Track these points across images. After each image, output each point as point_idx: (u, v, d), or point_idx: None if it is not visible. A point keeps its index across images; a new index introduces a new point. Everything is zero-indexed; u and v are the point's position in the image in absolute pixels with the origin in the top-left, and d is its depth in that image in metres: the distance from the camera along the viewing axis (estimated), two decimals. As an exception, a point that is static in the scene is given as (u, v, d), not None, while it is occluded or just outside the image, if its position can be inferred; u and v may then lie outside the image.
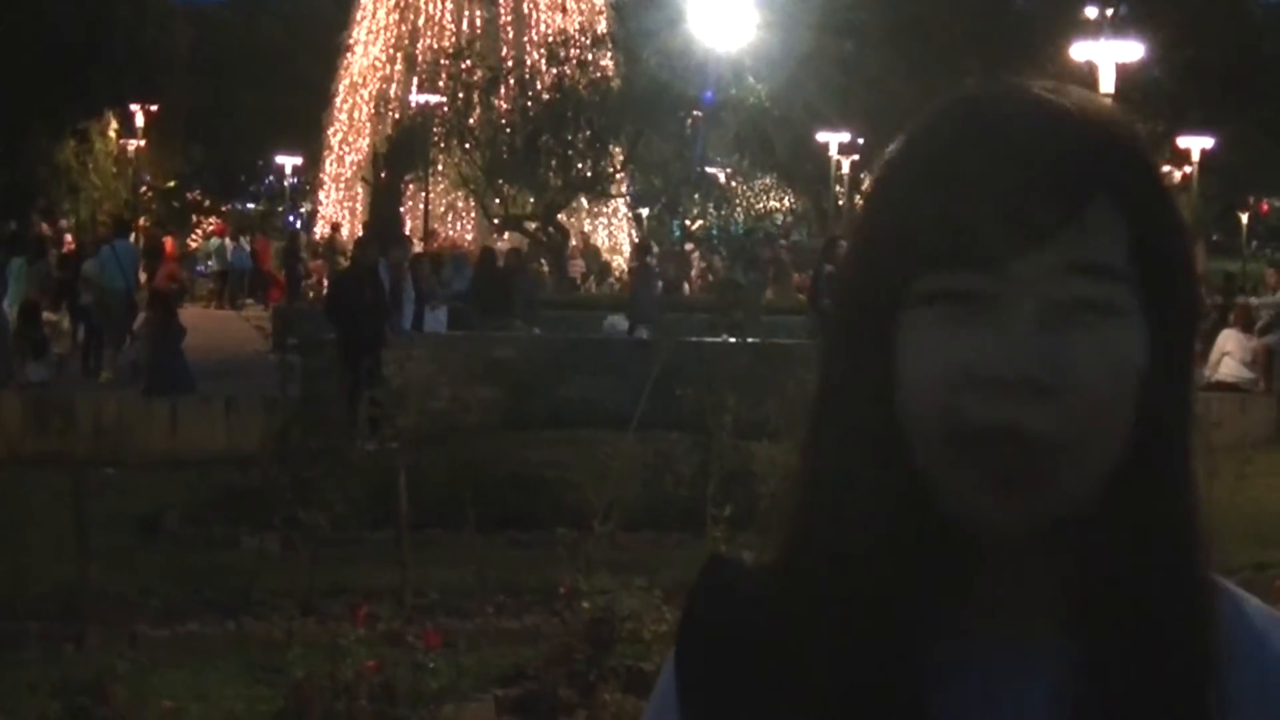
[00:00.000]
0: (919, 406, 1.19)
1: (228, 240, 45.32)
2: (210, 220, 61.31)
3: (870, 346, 1.22)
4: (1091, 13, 38.66)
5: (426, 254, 32.19)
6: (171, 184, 63.33)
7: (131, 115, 57.94)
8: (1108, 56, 28.01)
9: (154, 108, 57.55)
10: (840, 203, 50.30)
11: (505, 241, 44.14)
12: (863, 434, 1.24)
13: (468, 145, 40.26)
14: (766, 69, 45.34)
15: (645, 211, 58.59)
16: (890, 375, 1.21)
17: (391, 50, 52.13)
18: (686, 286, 42.32)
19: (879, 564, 1.22)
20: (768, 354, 12.61)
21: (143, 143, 58.90)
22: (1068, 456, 1.17)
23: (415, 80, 46.05)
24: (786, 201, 66.44)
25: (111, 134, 56.88)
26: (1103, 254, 1.19)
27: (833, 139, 47.00)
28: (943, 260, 1.19)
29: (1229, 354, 22.74)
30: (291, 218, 65.21)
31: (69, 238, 42.54)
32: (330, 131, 53.94)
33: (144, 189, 59.47)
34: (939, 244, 1.19)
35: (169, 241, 40.07)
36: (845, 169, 49.80)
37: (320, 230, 50.43)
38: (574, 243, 44.79)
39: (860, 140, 48.79)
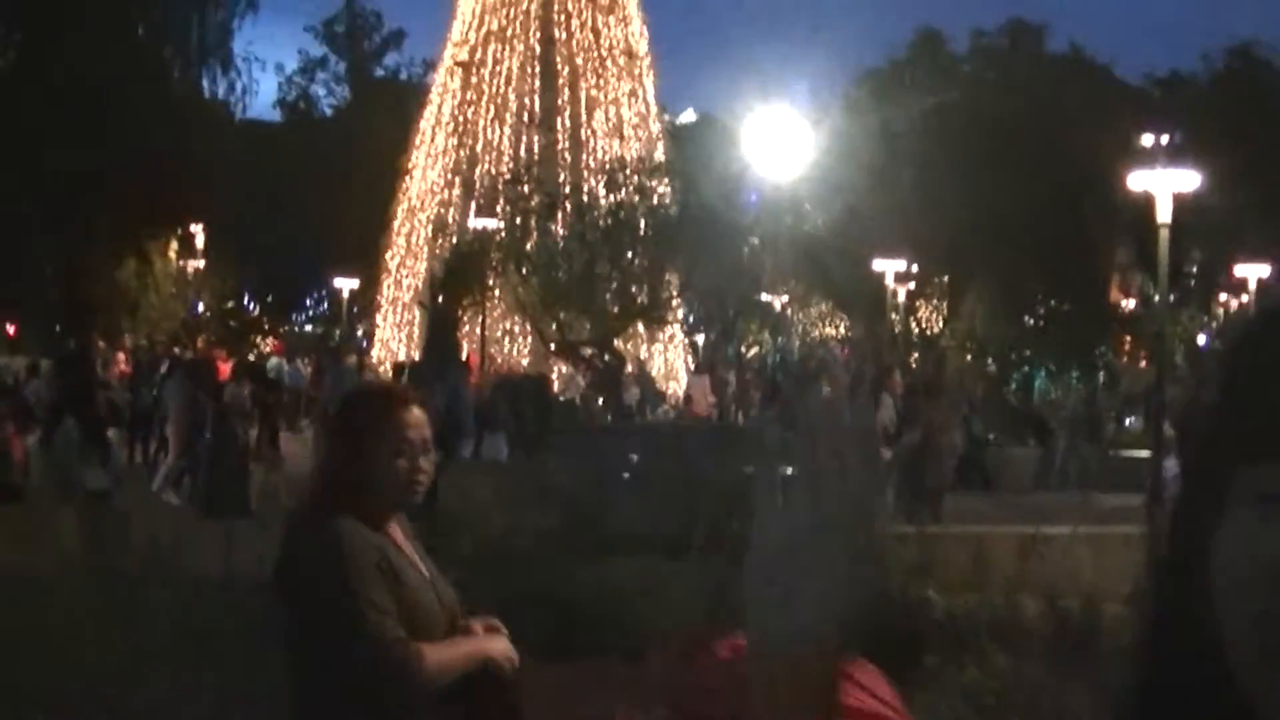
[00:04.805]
0: (1233, 609, 1.07)
1: (284, 361, 45.55)
2: (267, 340, 61.73)
3: (1190, 542, 1.11)
4: (1147, 140, 38.70)
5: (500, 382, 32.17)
6: (229, 304, 63.81)
7: (191, 236, 58.51)
8: (1165, 186, 27.92)
9: (211, 227, 58.16)
10: (896, 330, 50.28)
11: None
12: (1177, 631, 1.12)
13: (524, 270, 40.45)
14: (824, 195, 45.48)
15: (701, 338, 58.66)
16: (1205, 573, 1.09)
17: (449, 174, 52.53)
18: (741, 415, 42.26)
19: None
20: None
21: (202, 263, 59.45)
22: None
23: (473, 204, 46.36)
24: (842, 328, 66.45)
25: (171, 254, 57.39)
26: None
27: (889, 266, 47.06)
28: (1271, 454, 1.06)
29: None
30: (352, 338, 65.53)
31: (122, 357, 42.78)
32: (388, 254, 54.28)
33: (202, 309, 59.94)
34: (1268, 437, 1.06)
35: (221, 359, 40.24)
36: (901, 297, 49.81)
37: (378, 355, 50.59)
38: (630, 369, 44.83)
39: (914, 268, 48.84)
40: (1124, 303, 58.33)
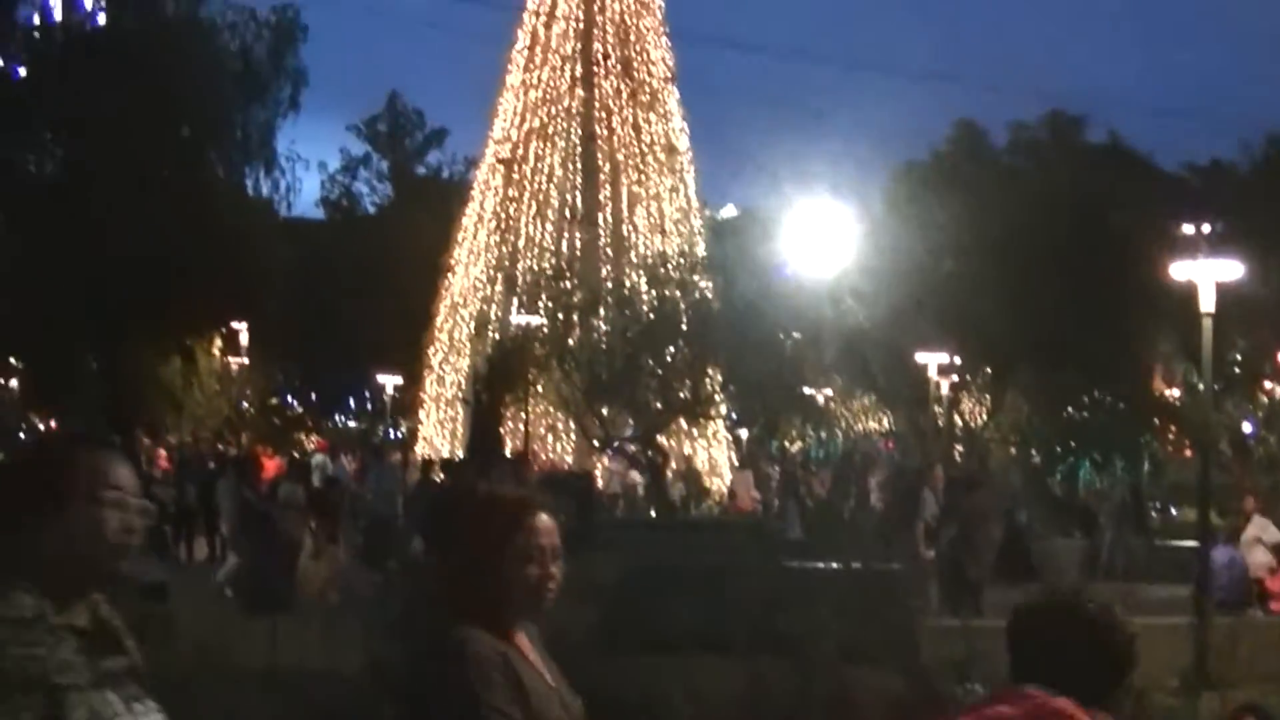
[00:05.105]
0: None
1: (329, 458, 45.59)
2: (311, 437, 61.85)
3: None
4: (1188, 229, 38.59)
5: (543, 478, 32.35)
6: (273, 401, 64.02)
7: (235, 333, 58.83)
8: (1207, 275, 27.71)
9: (255, 324, 58.47)
10: (939, 424, 50.06)
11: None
12: None
13: (567, 366, 40.46)
14: (865, 289, 45.43)
15: (744, 433, 58.58)
16: None
17: (492, 271, 52.71)
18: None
19: None
20: (869, 580, 12.52)
21: (246, 361, 59.73)
22: None
23: (515, 301, 46.51)
24: (885, 422, 66.23)
25: (215, 351, 57.67)
26: None
27: (931, 359, 46.94)
28: None
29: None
30: (393, 435, 65.71)
31: (164, 453, 43.09)
32: (431, 351, 54.42)
33: (246, 406, 60.14)
34: None
35: (265, 457, 40.37)
36: (944, 390, 49.57)
37: (422, 452, 50.70)
38: (674, 465, 44.69)
39: (957, 360, 48.66)
40: (1167, 392, 58.06)
